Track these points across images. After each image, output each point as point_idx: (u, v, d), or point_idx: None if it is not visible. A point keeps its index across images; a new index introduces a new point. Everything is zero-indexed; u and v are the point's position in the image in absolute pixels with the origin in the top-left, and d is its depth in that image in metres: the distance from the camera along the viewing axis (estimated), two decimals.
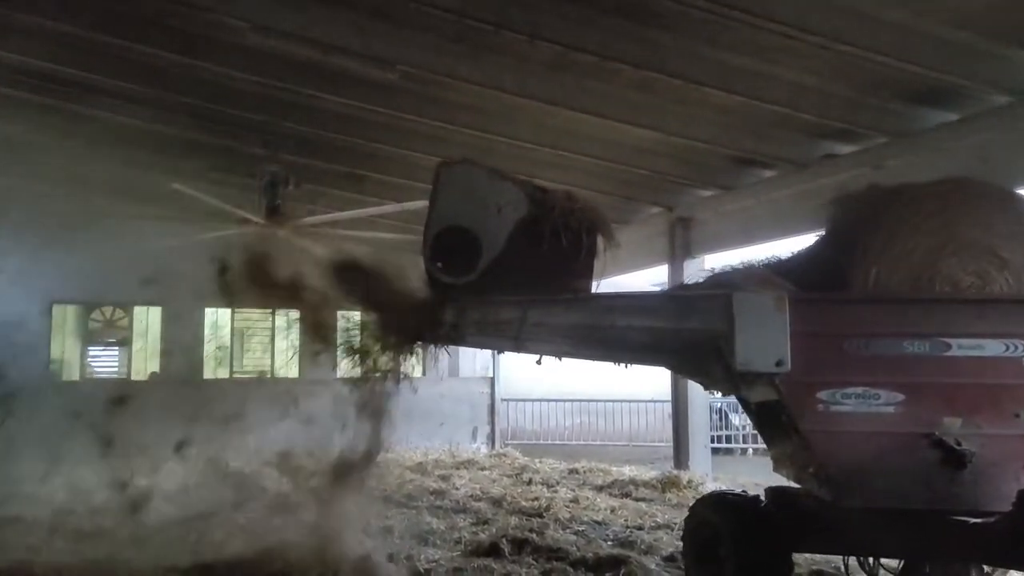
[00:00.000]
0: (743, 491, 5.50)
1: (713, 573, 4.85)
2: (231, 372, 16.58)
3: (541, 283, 4.57)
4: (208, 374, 15.43)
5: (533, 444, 15.15)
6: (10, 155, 11.44)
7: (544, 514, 8.14)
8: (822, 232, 5.37)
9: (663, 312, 4.67)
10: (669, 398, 11.36)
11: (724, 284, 4.85)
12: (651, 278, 12.95)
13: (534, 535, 6.84)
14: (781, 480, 5.16)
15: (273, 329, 16.48)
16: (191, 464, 6.97)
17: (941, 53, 6.04)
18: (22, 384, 10.76)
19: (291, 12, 6.85)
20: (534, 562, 6.12)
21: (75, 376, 16.00)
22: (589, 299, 4.68)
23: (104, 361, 16.89)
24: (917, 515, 4.26)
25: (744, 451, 15.96)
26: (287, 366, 15.46)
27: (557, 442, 15.96)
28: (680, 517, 6.71)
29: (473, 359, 15.91)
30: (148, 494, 6.85)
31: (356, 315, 5.80)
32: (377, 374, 5.21)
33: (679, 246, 10.76)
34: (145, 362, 16.68)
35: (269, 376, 16.16)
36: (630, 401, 16.07)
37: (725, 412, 16.24)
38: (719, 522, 4.93)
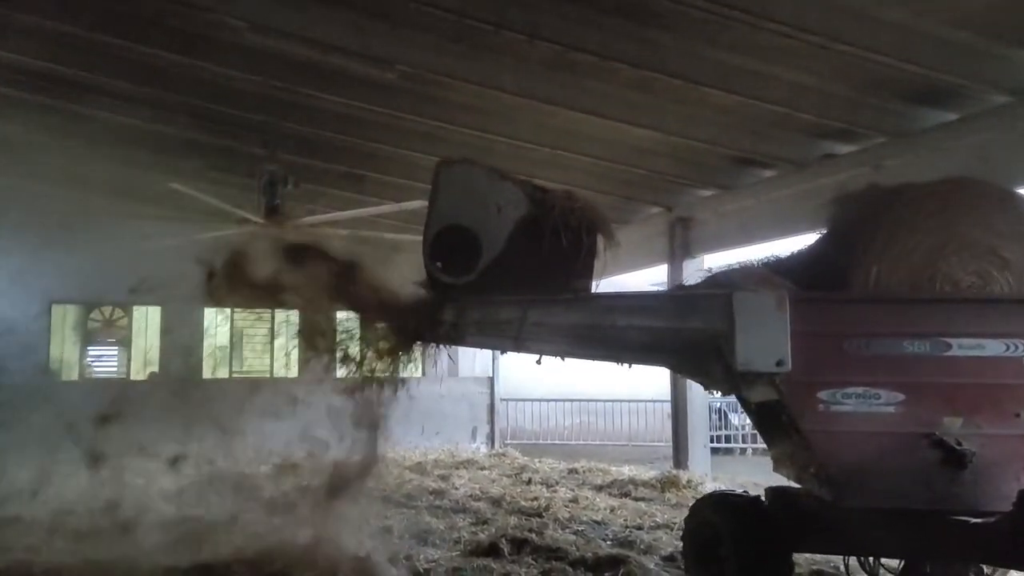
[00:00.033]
0: (744, 491, 5.50)
1: (713, 573, 4.85)
2: (230, 372, 16.57)
3: (541, 283, 4.57)
4: (207, 374, 15.42)
5: (532, 444, 15.15)
6: (9, 155, 11.43)
7: (543, 514, 8.12)
8: (822, 231, 5.37)
9: (663, 312, 4.67)
10: (668, 398, 11.36)
11: (724, 284, 4.84)
12: (650, 278, 12.95)
13: (533, 535, 6.82)
14: (781, 480, 5.15)
15: (272, 329, 16.48)
16: (190, 464, 6.95)
17: (941, 53, 6.04)
18: (21, 384, 10.75)
19: (290, 12, 6.85)
20: (533, 562, 6.11)
21: (74, 376, 15.98)
22: (589, 299, 4.67)
23: (103, 361, 16.87)
24: (917, 515, 4.26)
25: (743, 451, 15.96)
26: (286, 366, 15.44)
27: (556, 442, 15.96)
28: (679, 517, 6.71)
29: (473, 359, 15.89)
30: (147, 494, 6.84)
31: (354, 317, 5.78)
32: (376, 375, 5.19)
33: (678, 246, 10.76)
34: (144, 362, 16.68)
35: (269, 376, 16.15)
36: (629, 401, 16.07)
37: (724, 412, 16.26)
38: (719, 522, 4.93)
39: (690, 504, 5.86)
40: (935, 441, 4.19)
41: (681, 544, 5.62)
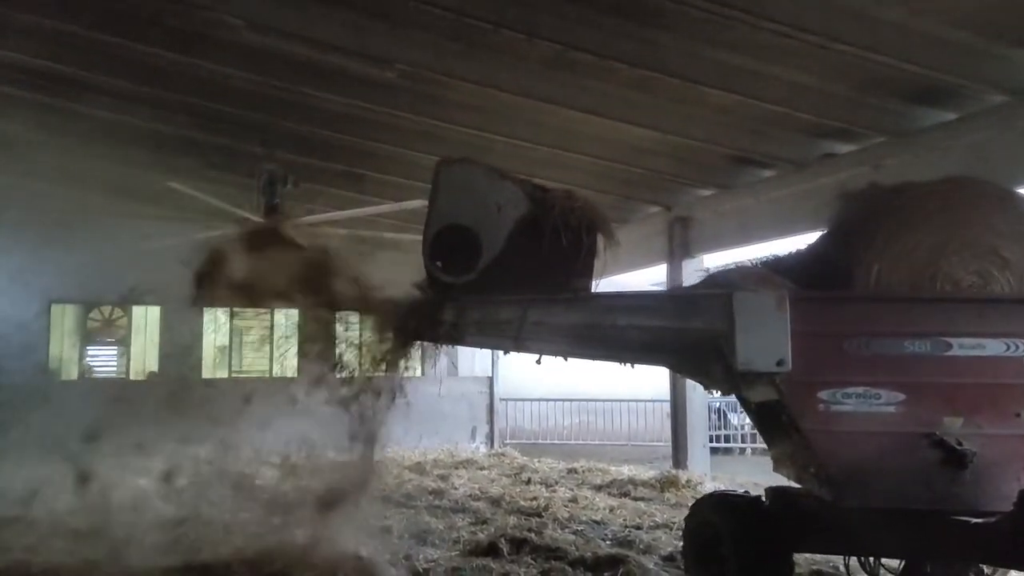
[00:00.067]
0: (744, 491, 5.50)
1: (713, 573, 4.85)
2: (230, 372, 16.56)
3: (541, 282, 4.56)
4: (207, 374, 15.40)
5: (532, 444, 15.13)
6: (8, 153, 11.41)
7: (543, 514, 8.12)
8: (823, 230, 5.36)
9: (664, 312, 4.66)
10: (668, 398, 11.35)
11: (724, 284, 4.84)
12: (650, 277, 12.95)
13: (533, 535, 6.82)
14: (781, 480, 5.15)
15: (272, 329, 16.47)
16: (190, 464, 6.94)
17: (939, 53, 6.04)
18: (20, 384, 10.73)
19: (289, 11, 6.84)
20: (533, 562, 6.10)
21: (74, 375, 15.97)
22: (589, 299, 4.67)
23: (103, 360, 16.86)
24: (918, 515, 4.26)
25: (743, 451, 15.96)
26: (286, 366, 15.43)
27: (556, 442, 15.93)
28: (679, 517, 6.71)
29: (472, 359, 15.89)
30: (147, 494, 6.83)
31: (354, 318, 5.77)
32: (374, 375, 5.18)
33: (678, 245, 10.76)
34: (144, 361, 16.67)
35: (268, 376, 16.14)
36: (629, 401, 16.04)
37: (724, 412, 16.24)
38: (719, 522, 4.93)
39: (689, 504, 5.86)
40: (935, 441, 4.19)
41: (681, 544, 5.62)
